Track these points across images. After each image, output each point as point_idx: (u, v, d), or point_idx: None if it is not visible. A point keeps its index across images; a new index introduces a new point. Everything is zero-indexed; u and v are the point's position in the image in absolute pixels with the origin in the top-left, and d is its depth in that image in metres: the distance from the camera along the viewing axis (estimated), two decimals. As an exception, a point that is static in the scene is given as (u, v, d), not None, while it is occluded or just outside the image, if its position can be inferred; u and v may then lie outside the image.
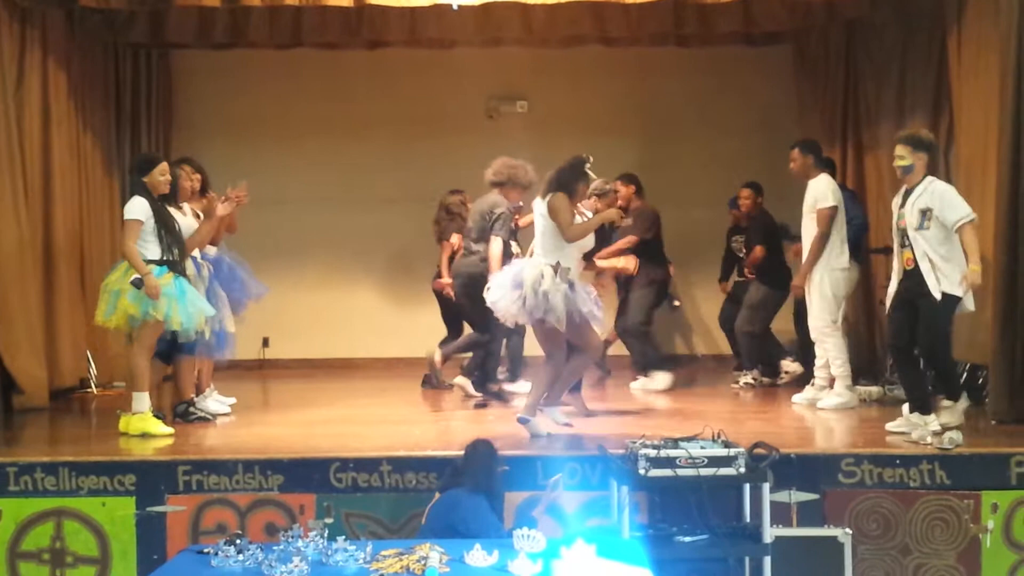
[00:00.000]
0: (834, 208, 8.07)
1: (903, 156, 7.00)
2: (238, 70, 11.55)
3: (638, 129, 11.62)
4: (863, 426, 7.30)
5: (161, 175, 7.32)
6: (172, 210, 7.44)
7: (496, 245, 8.18)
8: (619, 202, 9.11)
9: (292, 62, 11.39)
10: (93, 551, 6.11)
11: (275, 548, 4.56)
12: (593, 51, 11.24)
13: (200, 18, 9.82)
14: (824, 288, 8.08)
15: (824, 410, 8.00)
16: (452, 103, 11.79)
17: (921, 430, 6.51)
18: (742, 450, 5.58)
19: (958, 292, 6.80)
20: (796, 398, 8.45)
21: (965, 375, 8.39)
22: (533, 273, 6.89)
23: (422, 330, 11.49)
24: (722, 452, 5.53)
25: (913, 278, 6.92)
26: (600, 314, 7.16)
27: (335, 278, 11.86)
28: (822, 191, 8.12)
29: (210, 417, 7.77)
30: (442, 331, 9.79)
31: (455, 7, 8.62)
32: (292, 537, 4.64)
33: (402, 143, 11.71)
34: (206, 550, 4.63)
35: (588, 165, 7.16)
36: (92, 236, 9.70)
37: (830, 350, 8.16)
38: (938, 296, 6.79)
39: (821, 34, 10.73)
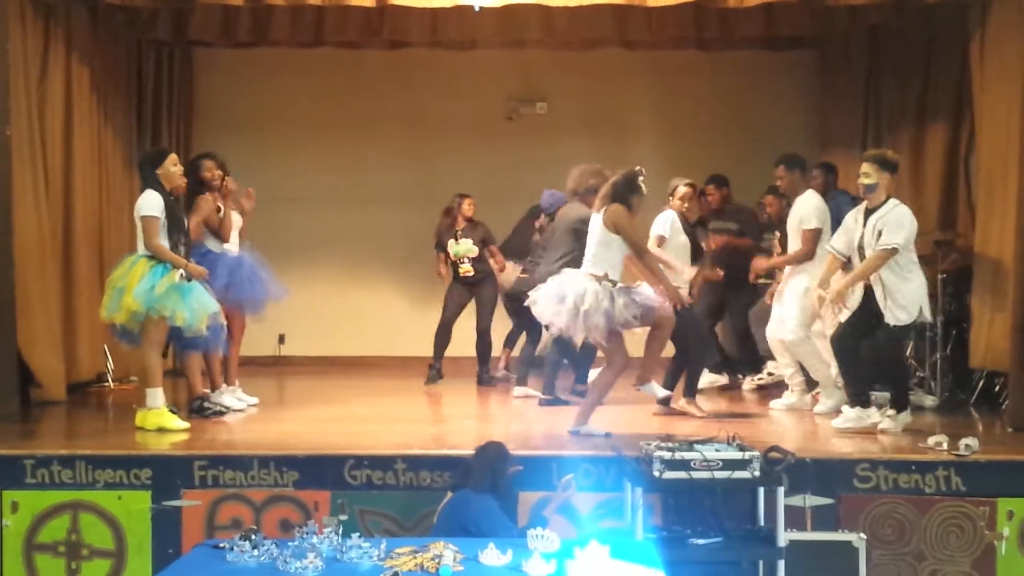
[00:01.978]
0: (818, 231, 7.98)
1: (868, 174, 7.10)
2: (260, 68, 11.60)
3: (658, 132, 11.60)
4: (879, 431, 7.26)
5: (173, 165, 7.36)
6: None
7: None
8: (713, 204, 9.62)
9: (313, 61, 11.43)
10: (109, 544, 6.14)
11: (290, 544, 4.56)
12: (613, 54, 11.24)
13: (223, 16, 9.86)
14: (805, 301, 7.98)
15: (821, 415, 7.99)
16: (472, 104, 11.82)
17: (937, 437, 6.48)
18: (757, 454, 5.57)
19: (905, 321, 6.99)
20: (775, 404, 8.43)
21: (982, 382, 8.39)
22: (576, 290, 6.88)
23: (438, 329, 11.50)
24: (737, 455, 5.53)
25: (871, 294, 7.09)
26: (640, 324, 7.09)
27: (352, 276, 11.90)
28: (807, 212, 8.05)
29: (225, 411, 7.78)
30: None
31: (477, 8, 8.61)
32: (307, 533, 4.63)
33: (422, 143, 11.75)
34: (221, 545, 4.63)
35: (642, 178, 7.18)
36: (111, 231, 9.74)
37: (806, 360, 8.17)
38: (891, 322, 6.97)
39: (843, 39, 10.72)
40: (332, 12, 9.66)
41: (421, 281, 11.76)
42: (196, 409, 7.65)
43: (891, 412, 7.18)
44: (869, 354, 7.08)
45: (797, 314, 8.04)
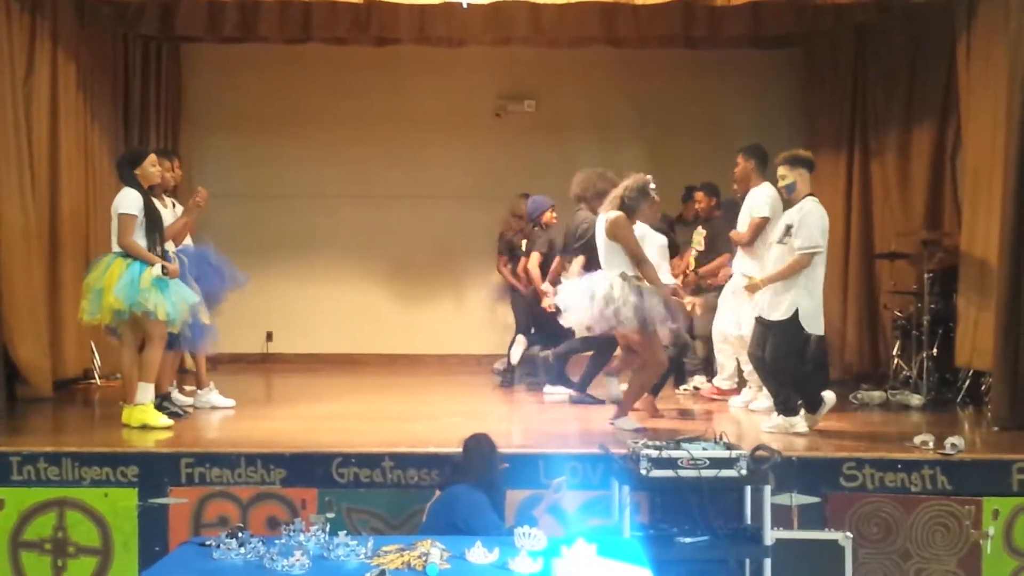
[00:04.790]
0: (765, 219, 7.93)
1: (784, 176, 7.15)
2: (247, 64, 11.58)
3: (645, 130, 11.63)
4: (865, 430, 7.30)
5: (152, 166, 7.35)
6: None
7: (577, 263, 8.25)
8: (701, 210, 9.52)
9: (301, 57, 11.42)
10: (95, 542, 6.12)
11: (277, 542, 4.55)
12: (601, 52, 11.26)
13: (210, 12, 9.84)
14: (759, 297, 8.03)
15: (757, 412, 7.98)
16: (460, 101, 11.82)
17: (923, 436, 6.50)
18: (744, 452, 5.58)
19: (775, 318, 6.94)
20: (734, 401, 8.43)
21: (968, 381, 8.42)
22: (604, 286, 7.07)
23: (426, 327, 11.54)
24: (724, 454, 5.54)
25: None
26: (672, 323, 7.20)
27: (340, 273, 11.89)
28: (759, 201, 8.05)
29: (183, 413, 7.70)
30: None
31: (465, 5, 8.60)
32: (294, 531, 4.63)
33: (409, 140, 11.75)
34: (208, 543, 4.62)
35: (652, 186, 7.31)
36: (98, 227, 9.69)
37: None
38: (758, 312, 7.06)
39: (830, 38, 10.74)
40: (320, 8, 9.66)
41: (410, 278, 11.79)
42: (156, 408, 7.51)
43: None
44: (769, 362, 7.07)
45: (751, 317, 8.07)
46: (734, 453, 5.54)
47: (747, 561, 5.70)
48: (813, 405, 7.13)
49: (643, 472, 5.49)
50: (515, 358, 9.36)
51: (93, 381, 9.55)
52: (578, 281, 7.43)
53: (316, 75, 11.71)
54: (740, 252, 8.19)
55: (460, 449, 5.84)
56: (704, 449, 5.57)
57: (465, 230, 11.56)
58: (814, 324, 6.99)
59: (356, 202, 11.77)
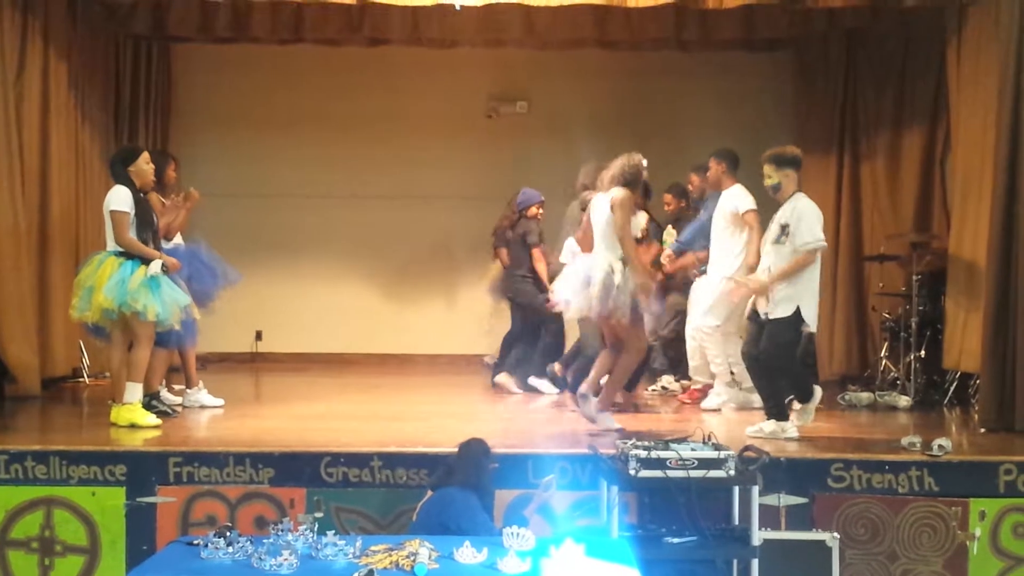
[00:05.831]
0: (756, 212, 8.00)
1: (769, 175, 6.96)
2: (239, 64, 11.57)
3: (637, 133, 11.61)
4: (853, 432, 7.32)
5: (145, 163, 7.35)
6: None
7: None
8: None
9: (293, 58, 11.41)
10: (82, 541, 6.10)
11: (265, 541, 4.55)
12: (594, 54, 11.27)
13: (202, 11, 9.82)
14: (717, 291, 8.05)
15: (706, 410, 8.05)
16: (452, 102, 11.82)
17: (910, 437, 6.52)
18: (732, 453, 5.60)
19: (779, 315, 6.77)
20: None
21: (955, 383, 8.45)
22: (603, 270, 6.99)
23: (416, 327, 11.54)
24: (712, 454, 5.55)
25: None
26: (655, 311, 7.26)
27: (330, 273, 11.88)
28: (740, 199, 8.08)
29: (172, 412, 7.69)
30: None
31: (458, 7, 8.60)
32: (282, 530, 4.62)
33: (401, 141, 11.74)
34: (196, 542, 4.60)
35: (645, 163, 7.34)
36: (88, 226, 9.69)
37: (710, 350, 8.24)
38: (761, 310, 6.90)
39: (821, 42, 10.74)
40: (312, 9, 9.65)
41: (401, 278, 11.78)
42: (144, 406, 7.49)
43: (797, 405, 7.03)
44: (763, 359, 6.91)
45: (708, 301, 8.15)
46: (722, 454, 5.56)
47: (735, 561, 5.71)
48: (805, 395, 6.99)
49: (632, 472, 5.51)
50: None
51: (82, 380, 9.54)
52: (573, 265, 7.36)
53: (308, 76, 11.70)
54: (717, 252, 8.19)
55: (452, 450, 5.85)
56: (693, 450, 5.59)
57: (456, 231, 11.57)
58: (812, 320, 6.85)
59: (347, 202, 11.77)
